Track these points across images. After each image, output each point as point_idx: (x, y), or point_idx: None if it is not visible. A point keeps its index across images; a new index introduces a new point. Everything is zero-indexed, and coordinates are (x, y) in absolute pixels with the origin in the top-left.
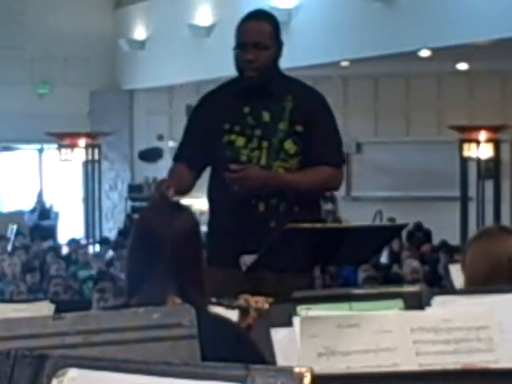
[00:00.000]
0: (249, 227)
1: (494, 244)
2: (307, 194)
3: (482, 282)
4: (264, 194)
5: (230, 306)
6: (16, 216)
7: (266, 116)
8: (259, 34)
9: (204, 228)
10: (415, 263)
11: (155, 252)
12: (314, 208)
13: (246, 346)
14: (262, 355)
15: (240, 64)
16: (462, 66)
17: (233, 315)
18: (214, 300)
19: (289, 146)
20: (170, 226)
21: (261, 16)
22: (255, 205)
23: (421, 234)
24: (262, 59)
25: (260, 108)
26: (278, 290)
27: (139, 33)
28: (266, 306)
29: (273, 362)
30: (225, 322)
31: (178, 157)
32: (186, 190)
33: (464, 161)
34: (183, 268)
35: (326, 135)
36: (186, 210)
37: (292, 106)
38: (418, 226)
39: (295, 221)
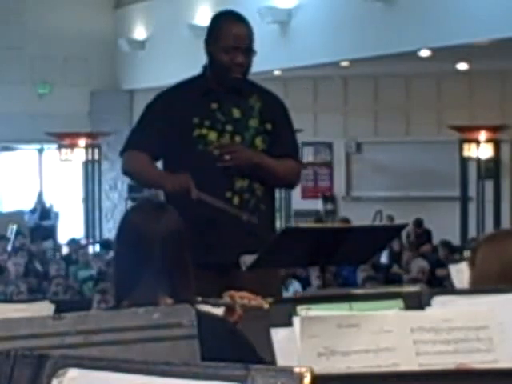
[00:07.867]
0: (222, 220)
1: (507, 246)
2: (279, 180)
3: (493, 284)
4: (238, 187)
5: (215, 304)
6: (16, 216)
7: (237, 113)
8: (250, 39)
9: None
10: (423, 263)
11: (145, 254)
12: (273, 210)
13: (240, 341)
14: (254, 349)
15: (225, 65)
16: (462, 66)
17: (218, 313)
18: (199, 298)
19: (259, 142)
20: (158, 226)
21: (244, 19)
22: (230, 198)
23: (420, 231)
24: (248, 63)
25: (229, 105)
26: (252, 287)
27: (139, 33)
28: (253, 302)
29: (273, 361)
30: (217, 319)
31: (135, 144)
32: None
33: (464, 161)
34: (174, 268)
35: (291, 135)
36: (170, 209)
37: (260, 106)
38: (418, 222)
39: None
